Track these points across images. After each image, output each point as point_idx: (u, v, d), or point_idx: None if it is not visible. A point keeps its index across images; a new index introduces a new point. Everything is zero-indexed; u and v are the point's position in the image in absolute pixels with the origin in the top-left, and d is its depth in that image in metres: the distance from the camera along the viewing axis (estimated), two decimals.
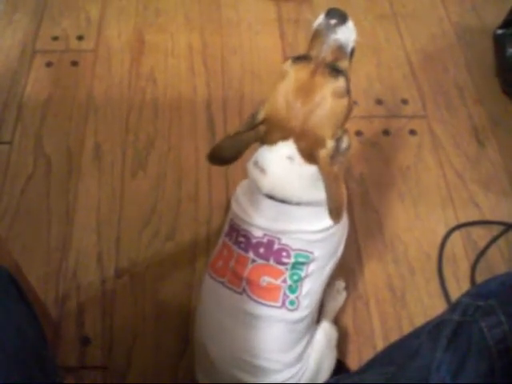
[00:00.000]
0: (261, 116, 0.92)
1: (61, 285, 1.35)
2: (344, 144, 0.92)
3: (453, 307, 0.77)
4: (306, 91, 0.88)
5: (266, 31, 1.87)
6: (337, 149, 0.90)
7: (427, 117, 1.67)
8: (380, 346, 1.28)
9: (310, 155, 0.90)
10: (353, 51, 0.95)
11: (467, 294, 0.78)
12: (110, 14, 1.92)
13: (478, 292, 0.77)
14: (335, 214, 0.91)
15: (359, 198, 1.50)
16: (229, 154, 0.96)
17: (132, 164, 1.55)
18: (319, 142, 0.89)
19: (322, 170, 0.89)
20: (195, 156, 1.57)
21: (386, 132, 1.63)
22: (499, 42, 1.74)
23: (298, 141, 0.90)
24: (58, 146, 1.58)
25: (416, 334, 0.82)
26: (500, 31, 1.75)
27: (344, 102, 0.90)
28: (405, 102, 1.70)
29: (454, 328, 0.72)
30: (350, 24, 0.93)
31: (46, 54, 1.80)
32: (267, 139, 0.93)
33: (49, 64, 1.77)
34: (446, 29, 1.90)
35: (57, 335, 1.28)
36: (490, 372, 0.70)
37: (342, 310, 1.32)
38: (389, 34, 1.88)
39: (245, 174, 1.00)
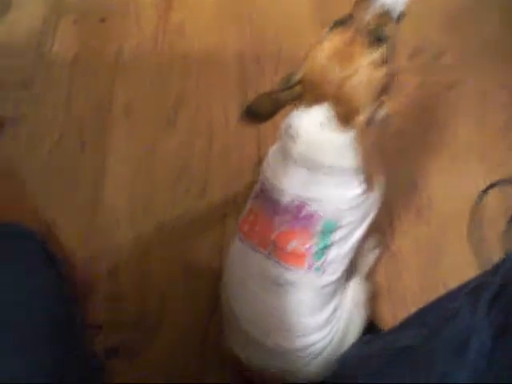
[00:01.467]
0: (298, 76, 0.90)
1: (92, 241, 1.35)
2: (380, 115, 0.90)
3: (494, 269, 0.74)
4: (343, 57, 0.86)
5: None
6: (371, 119, 0.88)
7: (465, 70, 1.62)
8: (412, 306, 1.24)
9: (343, 122, 0.89)
10: (401, 16, 0.92)
11: (509, 256, 0.75)
12: None
13: None
14: (367, 182, 0.90)
15: (393, 153, 1.45)
16: (264, 112, 0.94)
17: (162, 121, 1.53)
18: (353, 110, 0.87)
19: (355, 140, 0.88)
20: (225, 111, 1.54)
21: (421, 86, 1.58)
22: None
23: (332, 106, 0.88)
24: (88, 104, 1.57)
25: (453, 296, 0.80)
26: None
27: (383, 70, 0.88)
28: (441, 53, 1.65)
29: (496, 291, 0.70)
30: None
31: (73, 12, 1.77)
32: (302, 101, 0.91)
33: (75, 22, 1.75)
34: None
35: (89, 292, 1.28)
36: None
37: (375, 269, 1.30)
38: None
39: (277, 133, 0.98)
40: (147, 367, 1.20)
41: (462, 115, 1.54)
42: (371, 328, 1.17)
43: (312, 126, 0.91)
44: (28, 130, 1.53)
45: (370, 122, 0.88)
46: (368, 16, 0.87)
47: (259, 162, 1.03)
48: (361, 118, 0.87)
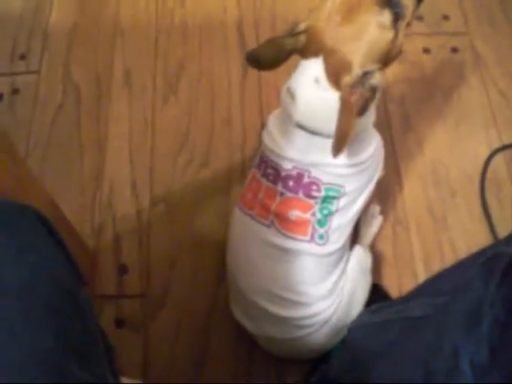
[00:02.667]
0: (304, 25, 0.88)
1: (96, 215, 1.34)
2: (373, 80, 0.86)
3: (508, 239, 0.72)
4: (350, 9, 0.84)
5: None
6: (362, 81, 0.85)
7: (469, 33, 1.59)
8: (420, 271, 1.26)
9: (335, 79, 0.86)
10: None
11: None
12: None
13: None
14: (335, 146, 0.86)
15: (399, 120, 1.44)
16: (268, 58, 0.92)
17: (163, 89, 1.51)
18: (345, 66, 0.84)
19: (340, 95, 0.85)
20: (227, 79, 1.52)
21: (426, 50, 1.56)
22: None
23: (326, 58, 0.86)
24: (86, 74, 1.54)
25: (466, 265, 0.78)
26: None
27: (388, 35, 0.86)
28: (446, 17, 1.61)
29: (509, 262, 0.68)
30: None
31: None
32: (304, 52, 0.89)
33: None
34: None
35: (94, 265, 1.28)
36: None
37: (381, 234, 1.29)
38: None
39: (278, 97, 0.96)
40: (154, 339, 1.20)
41: (466, 79, 1.51)
42: (377, 291, 1.16)
43: (308, 83, 0.88)
44: (26, 101, 1.50)
45: (358, 83, 0.84)
46: None
47: (262, 128, 1.01)
48: (349, 77, 0.84)
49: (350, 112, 0.85)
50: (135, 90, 1.51)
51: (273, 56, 0.91)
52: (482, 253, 0.76)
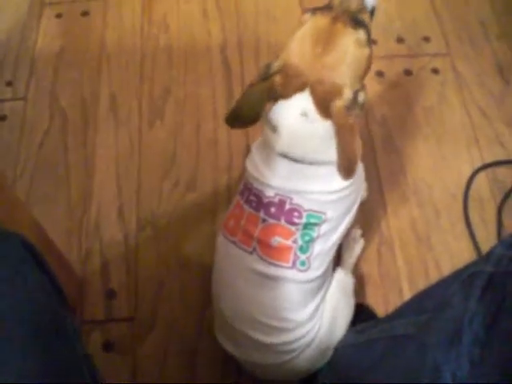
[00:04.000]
0: (276, 65, 0.88)
1: (84, 239, 1.35)
2: (360, 98, 0.88)
3: (486, 257, 0.74)
4: (326, 38, 0.85)
5: None
6: (353, 101, 0.86)
7: (450, 54, 1.62)
8: (406, 290, 1.27)
9: (325, 108, 0.87)
10: (374, 10, 0.92)
11: (500, 244, 0.75)
12: None
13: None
14: (347, 170, 0.88)
15: (382, 141, 1.46)
16: (248, 112, 0.93)
17: (149, 113, 1.52)
18: (336, 92, 0.85)
19: (336, 121, 0.86)
20: (212, 101, 1.53)
21: (407, 71, 1.58)
22: None
23: (314, 91, 0.86)
24: (73, 99, 1.56)
25: (447, 282, 0.80)
26: None
27: (365, 52, 0.87)
28: (426, 39, 1.64)
29: (488, 279, 0.69)
30: None
31: (56, 6, 1.76)
32: (282, 92, 0.89)
33: (59, 15, 1.74)
34: None
35: (82, 290, 1.28)
36: None
37: (367, 255, 1.31)
38: None
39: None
40: (142, 362, 1.20)
41: (447, 99, 1.54)
42: (362, 312, 1.17)
43: (293, 117, 0.89)
44: (13, 127, 1.51)
45: (351, 105, 0.86)
46: (346, 2, 0.87)
47: (248, 153, 1.03)
48: (342, 101, 0.85)
49: (352, 133, 0.87)
50: (121, 113, 1.53)
51: (252, 107, 0.92)
52: (462, 271, 0.78)
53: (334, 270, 1.10)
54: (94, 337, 1.22)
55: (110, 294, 1.27)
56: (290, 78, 0.87)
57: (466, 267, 0.78)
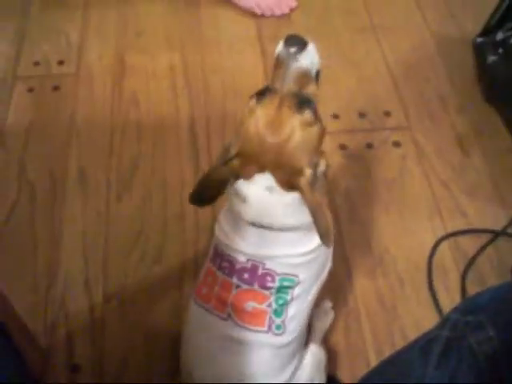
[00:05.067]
0: (234, 150, 0.90)
1: (49, 312, 1.33)
2: (321, 167, 0.91)
3: (442, 323, 0.76)
4: (275, 126, 0.86)
5: (247, 48, 1.88)
6: (315, 174, 0.89)
7: (410, 128, 1.68)
8: (373, 360, 1.27)
9: (288, 185, 0.89)
10: (318, 73, 0.93)
11: (456, 309, 0.77)
12: (90, 37, 1.92)
13: (466, 307, 0.77)
14: (326, 239, 0.90)
15: (345, 213, 1.49)
16: (209, 193, 0.95)
17: (117, 187, 1.54)
18: (297, 172, 0.88)
19: (304, 198, 0.89)
20: (180, 175, 1.56)
21: (369, 145, 1.63)
22: (479, 51, 1.75)
23: (274, 173, 0.88)
24: (41, 172, 1.57)
25: (408, 350, 0.82)
26: (480, 39, 1.76)
27: (314, 129, 0.89)
28: (387, 114, 1.71)
29: (444, 344, 0.71)
30: (311, 47, 0.90)
31: (28, 80, 1.80)
32: (243, 173, 0.91)
33: (30, 89, 1.77)
34: (425, 39, 1.91)
35: (46, 364, 1.26)
36: None
37: (333, 326, 1.31)
38: (369, 46, 1.89)
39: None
40: None
41: (409, 172, 1.59)
42: (331, 383, 1.17)
43: (259, 191, 0.90)
44: None
45: (314, 178, 0.88)
46: (287, 81, 0.88)
47: (214, 222, 1.05)
48: (304, 179, 0.87)
49: (321, 206, 0.88)
50: (89, 187, 1.54)
51: (214, 189, 0.95)
52: (421, 337, 0.80)
53: (306, 341, 1.11)
54: None
55: (75, 369, 1.25)
56: (248, 162, 0.89)
57: (425, 333, 0.80)
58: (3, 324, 0.72)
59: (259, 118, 0.87)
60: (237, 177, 0.92)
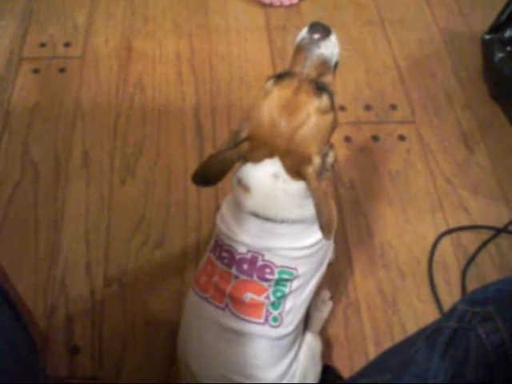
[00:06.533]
0: (244, 133, 0.89)
1: (49, 294, 1.33)
2: (330, 159, 0.90)
3: (448, 314, 0.76)
4: (290, 109, 0.86)
5: (255, 38, 1.87)
6: (323, 165, 0.88)
7: (416, 122, 1.68)
8: (372, 352, 1.28)
9: (296, 172, 0.89)
10: (336, 64, 0.93)
11: (462, 300, 0.77)
12: (97, 21, 1.91)
13: (473, 298, 0.77)
14: (327, 231, 0.89)
15: (349, 205, 1.49)
16: (213, 174, 0.94)
17: (120, 170, 1.54)
18: (306, 159, 0.87)
19: (310, 187, 0.88)
20: (184, 162, 1.56)
21: (374, 138, 1.64)
22: (487, 47, 1.75)
23: (283, 158, 0.88)
24: (45, 153, 1.57)
25: (412, 340, 0.81)
26: (488, 36, 1.75)
27: (329, 117, 0.89)
28: (393, 107, 1.71)
29: (451, 335, 0.71)
30: (334, 37, 0.91)
31: (33, 61, 1.79)
32: (251, 157, 0.90)
33: (36, 71, 1.76)
34: (433, 34, 1.91)
35: (46, 345, 1.26)
36: (489, 378, 0.69)
37: (333, 317, 1.31)
38: (377, 39, 1.88)
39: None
40: None
41: (413, 165, 1.59)
42: (329, 373, 1.18)
43: (264, 178, 0.90)
44: None
45: (321, 168, 0.88)
46: (307, 67, 0.88)
47: (217, 211, 1.04)
48: (312, 167, 0.87)
49: (326, 196, 0.88)
50: (93, 170, 1.54)
51: (218, 171, 0.93)
52: (426, 328, 0.80)
53: (303, 331, 1.11)
54: None
55: (74, 351, 1.26)
56: (259, 145, 0.89)
57: (431, 324, 0.80)
58: (13, 301, 0.72)
59: (275, 100, 0.87)
60: (245, 160, 0.92)
